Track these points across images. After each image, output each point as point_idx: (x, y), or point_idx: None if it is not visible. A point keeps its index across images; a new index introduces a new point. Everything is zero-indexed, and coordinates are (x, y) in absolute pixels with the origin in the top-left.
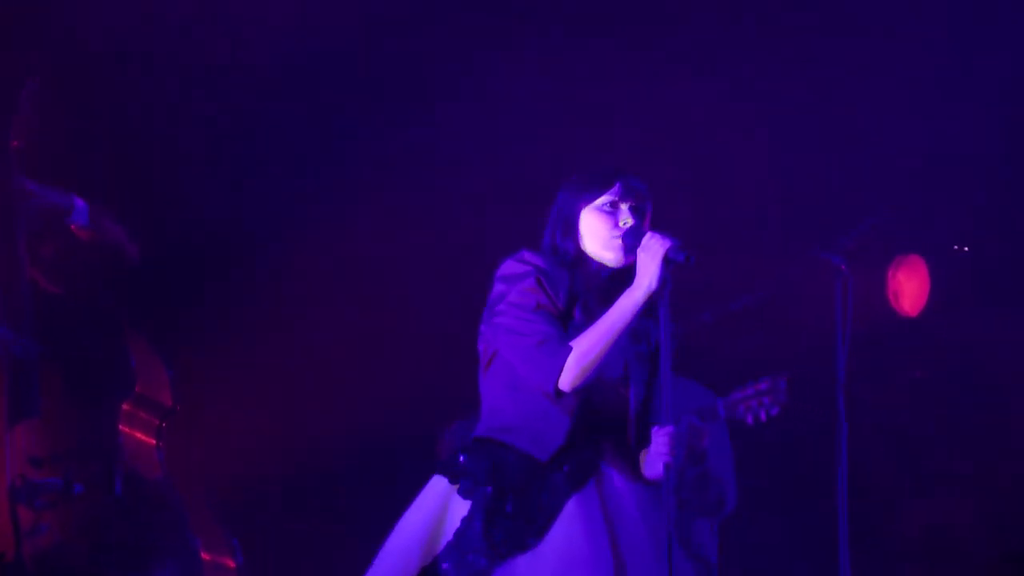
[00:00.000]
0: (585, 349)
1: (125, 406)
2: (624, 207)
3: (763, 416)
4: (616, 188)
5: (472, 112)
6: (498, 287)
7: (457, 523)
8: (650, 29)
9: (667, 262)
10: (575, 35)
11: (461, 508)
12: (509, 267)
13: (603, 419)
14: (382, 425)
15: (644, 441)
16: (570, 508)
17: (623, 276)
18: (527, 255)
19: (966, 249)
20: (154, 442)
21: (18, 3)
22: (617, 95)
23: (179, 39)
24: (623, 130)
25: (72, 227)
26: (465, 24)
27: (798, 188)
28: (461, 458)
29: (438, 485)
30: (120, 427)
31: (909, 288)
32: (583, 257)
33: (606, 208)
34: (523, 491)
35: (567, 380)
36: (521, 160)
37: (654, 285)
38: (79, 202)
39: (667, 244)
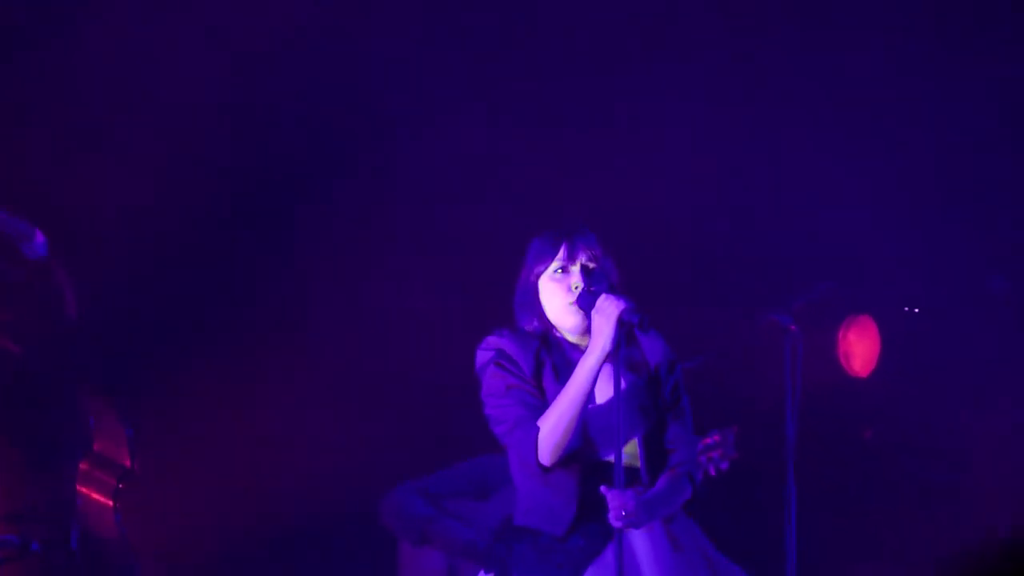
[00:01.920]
0: (553, 423)
1: (82, 465)
2: (574, 269)
3: (712, 471)
4: (562, 252)
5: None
6: (479, 379)
7: None
8: (606, 80)
9: (621, 324)
10: (527, 88)
11: None
12: (478, 359)
13: (614, 475)
14: (339, 489)
15: (657, 474)
16: None
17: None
18: (490, 340)
19: (916, 310)
20: (111, 503)
21: None
22: (570, 150)
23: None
24: (573, 187)
25: (28, 257)
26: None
27: (750, 250)
28: (496, 545)
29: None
30: (77, 487)
31: (860, 349)
32: (550, 327)
33: (557, 276)
34: (542, 571)
35: (544, 456)
36: (480, 226)
37: (608, 347)
38: (40, 235)
39: (621, 306)
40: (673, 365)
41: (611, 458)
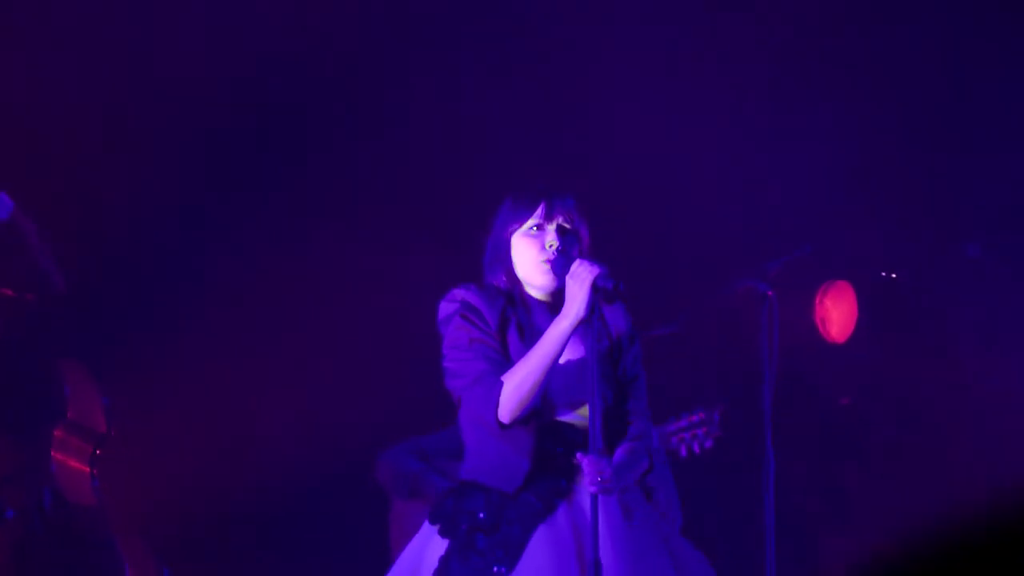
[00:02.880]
0: (518, 381)
1: (57, 432)
2: (550, 228)
3: (696, 448)
4: (540, 210)
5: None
6: (440, 332)
7: (435, 564)
8: (583, 51)
9: (595, 289)
10: (510, 59)
11: (440, 548)
12: (442, 310)
13: (570, 441)
14: (316, 452)
15: (616, 442)
16: (538, 539)
17: (560, 300)
18: (456, 293)
19: (894, 276)
20: (87, 469)
21: None
22: (548, 117)
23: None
24: (550, 154)
25: None
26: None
27: (727, 215)
28: (445, 500)
29: (425, 527)
30: (52, 453)
31: (837, 314)
32: (517, 283)
33: (532, 232)
34: (493, 527)
35: (505, 413)
36: (456, 186)
37: (582, 313)
38: (7, 197)
39: (595, 271)
40: (634, 337)
41: (567, 418)
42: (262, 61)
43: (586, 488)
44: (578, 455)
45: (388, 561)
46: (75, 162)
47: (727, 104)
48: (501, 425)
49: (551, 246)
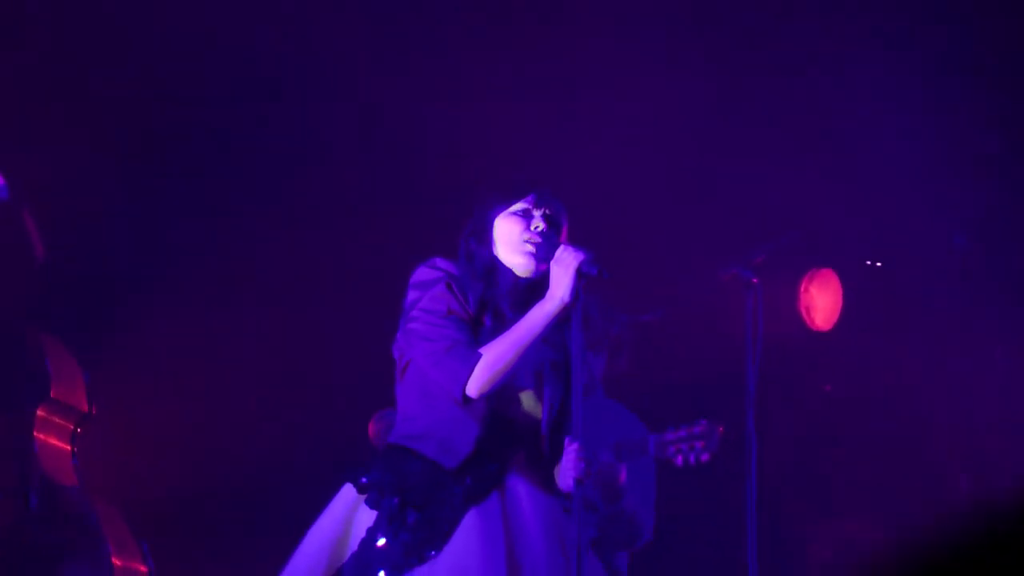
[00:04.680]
0: (495, 356)
1: (40, 411)
2: (537, 214)
3: (692, 460)
4: (531, 197)
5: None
6: (411, 294)
7: (363, 533)
8: (567, 42)
9: (580, 275)
10: (496, 47)
11: (367, 518)
12: (421, 274)
13: (515, 430)
14: (297, 429)
15: (559, 453)
16: (468, 522)
17: (536, 285)
18: (439, 262)
19: (879, 264)
20: (69, 448)
21: None
22: (534, 107)
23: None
24: (538, 141)
25: None
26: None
27: (712, 202)
28: (369, 468)
29: (348, 494)
30: (35, 433)
31: (821, 302)
32: (496, 265)
33: (519, 213)
34: (425, 503)
35: (475, 386)
36: (437, 166)
37: (567, 298)
38: (1, 177)
39: (580, 257)
40: (601, 350)
41: (519, 408)
42: (256, 53)
43: (567, 473)
44: (567, 439)
45: None
46: (72, 147)
47: (711, 93)
48: (465, 399)
49: (536, 227)
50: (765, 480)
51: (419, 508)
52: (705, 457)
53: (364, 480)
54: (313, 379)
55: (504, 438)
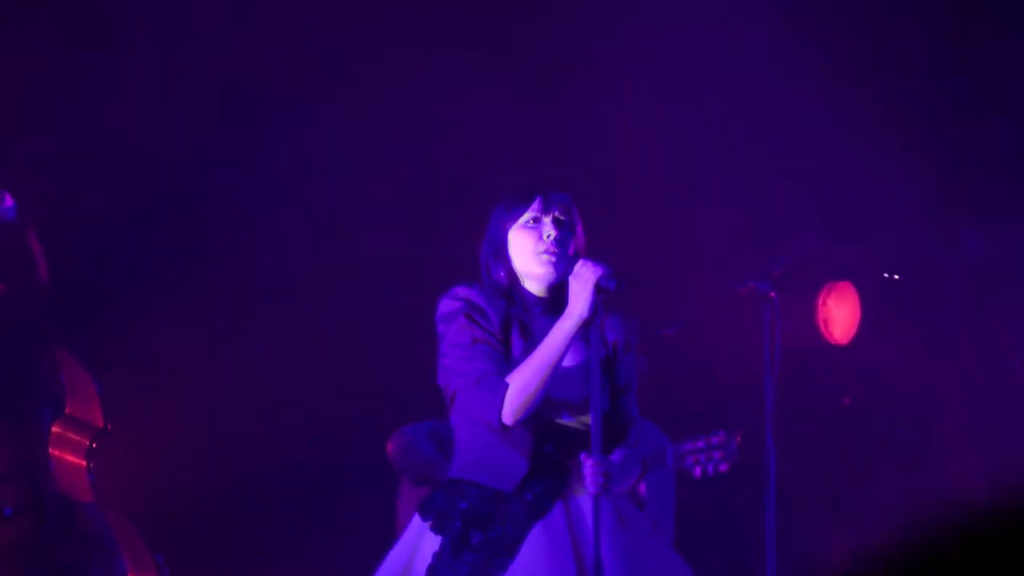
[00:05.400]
0: (523, 383)
1: (55, 428)
2: (547, 220)
3: (711, 471)
4: (536, 203)
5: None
6: (439, 328)
7: (429, 559)
8: (585, 52)
9: (598, 290)
10: (515, 56)
11: (433, 544)
12: (443, 307)
13: (568, 439)
14: (312, 442)
15: (611, 448)
16: (534, 537)
17: (558, 290)
18: (459, 291)
19: (896, 277)
20: (84, 463)
21: None
22: (548, 118)
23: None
24: (550, 155)
25: None
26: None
27: (730, 215)
28: (436, 495)
29: (415, 523)
30: (50, 450)
31: (839, 315)
32: (516, 281)
33: (529, 224)
34: (487, 524)
35: (508, 414)
36: (455, 170)
37: (585, 313)
38: (9, 198)
39: (599, 271)
40: (629, 345)
41: (566, 421)
42: (261, 49)
43: (587, 489)
44: (582, 455)
45: (392, 543)
46: (73, 154)
47: (730, 105)
48: (503, 426)
49: (549, 236)
50: (783, 493)
51: (482, 528)
52: (723, 468)
53: (427, 506)
54: (330, 389)
55: (558, 450)
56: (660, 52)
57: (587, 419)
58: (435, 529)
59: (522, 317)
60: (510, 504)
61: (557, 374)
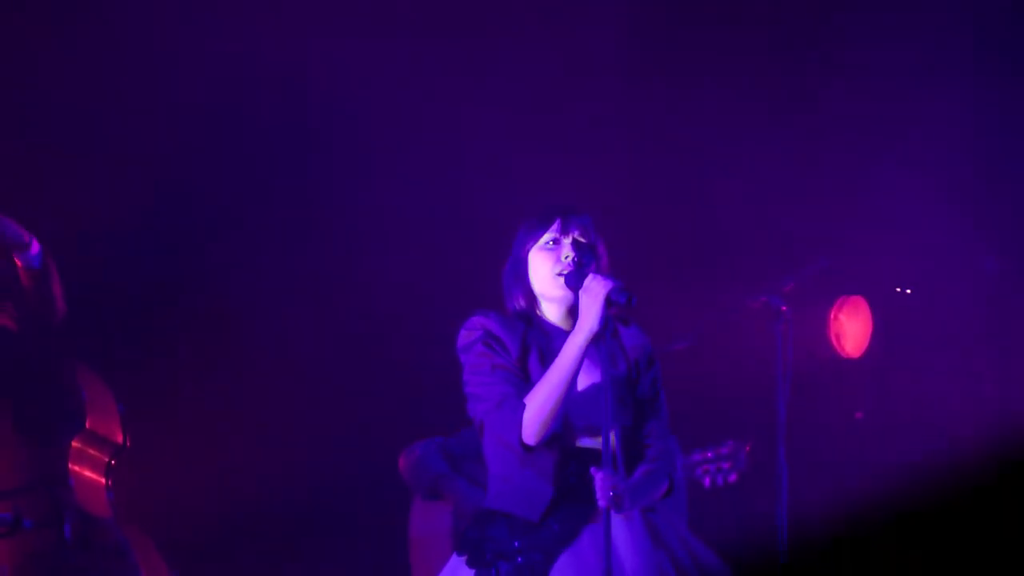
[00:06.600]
0: (540, 403)
1: (75, 443)
2: (566, 242)
3: (720, 481)
4: (556, 225)
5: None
6: (460, 359)
7: None
8: (598, 64)
9: (609, 303)
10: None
11: None
12: (462, 338)
13: (594, 463)
14: (327, 459)
15: (636, 464)
16: (561, 565)
17: (575, 312)
18: (476, 320)
19: (908, 290)
20: (103, 480)
21: None
22: (565, 135)
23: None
24: (568, 171)
25: (20, 266)
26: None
27: (740, 230)
28: (469, 528)
29: (453, 559)
30: (70, 465)
31: (851, 329)
32: (535, 305)
33: (548, 246)
34: (516, 554)
35: (530, 434)
36: (482, 193)
37: (596, 326)
38: (36, 244)
39: (609, 286)
40: (652, 359)
41: (588, 444)
42: (275, 62)
43: (600, 502)
44: (592, 469)
45: (405, 560)
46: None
47: (741, 120)
48: (526, 448)
49: (567, 258)
50: (795, 507)
51: (510, 558)
52: (732, 478)
53: (462, 540)
54: (344, 406)
55: (582, 473)
56: (675, 63)
57: (611, 441)
58: (470, 563)
59: (540, 343)
60: (537, 532)
61: (576, 397)
